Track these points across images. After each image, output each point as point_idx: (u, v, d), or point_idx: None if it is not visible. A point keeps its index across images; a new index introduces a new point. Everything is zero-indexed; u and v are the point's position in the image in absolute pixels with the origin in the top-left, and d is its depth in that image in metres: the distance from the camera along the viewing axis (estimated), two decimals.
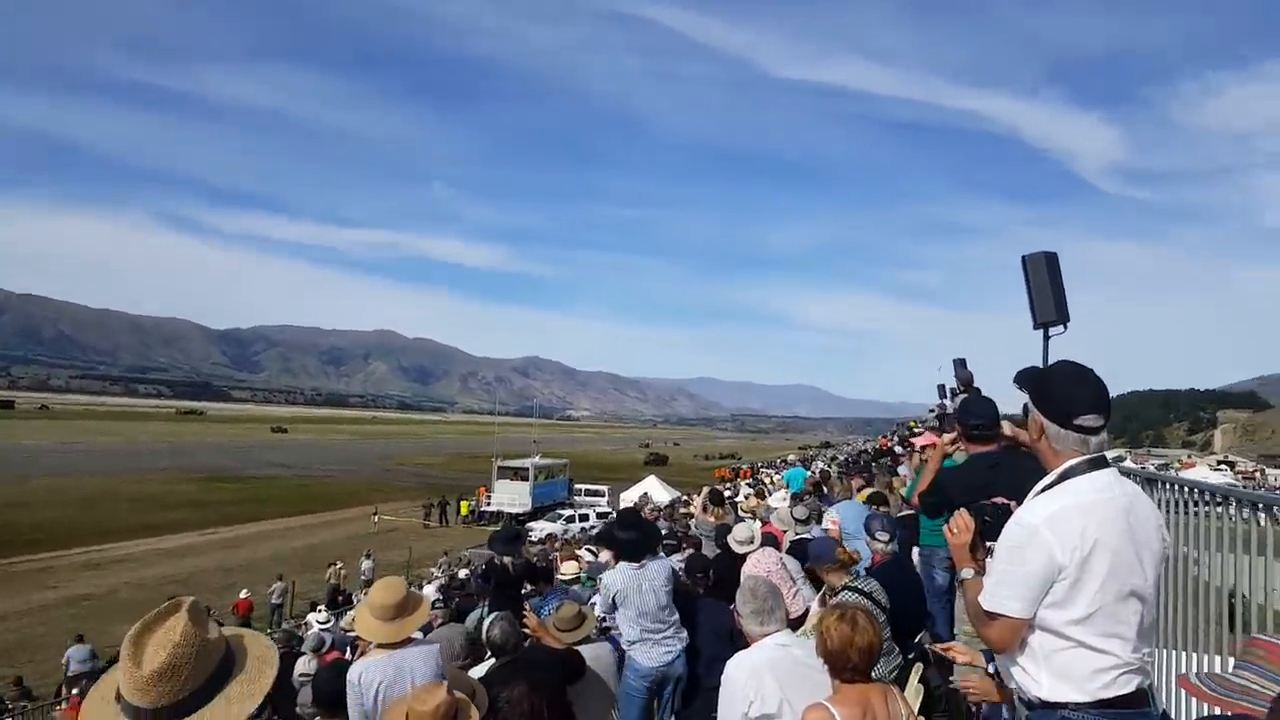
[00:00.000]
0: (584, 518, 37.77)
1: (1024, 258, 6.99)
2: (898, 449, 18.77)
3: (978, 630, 2.32)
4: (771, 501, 10.73)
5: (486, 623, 4.88)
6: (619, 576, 4.94)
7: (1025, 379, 2.35)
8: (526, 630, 4.81)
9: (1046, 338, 6.89)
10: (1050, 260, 6.88)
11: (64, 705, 14.51)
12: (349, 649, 9.70)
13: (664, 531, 10.17)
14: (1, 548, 30.51)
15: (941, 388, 17.88)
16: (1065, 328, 6.86)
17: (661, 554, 5.17)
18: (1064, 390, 2.15)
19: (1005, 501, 2.42)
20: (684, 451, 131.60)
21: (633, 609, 4.84)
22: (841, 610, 2.82)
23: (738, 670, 3.19)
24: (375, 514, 40.72)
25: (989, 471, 2.92)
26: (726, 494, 19.77)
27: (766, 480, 26.75)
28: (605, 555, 10.74)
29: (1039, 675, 2.14)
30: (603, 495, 47.88)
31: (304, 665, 7.31)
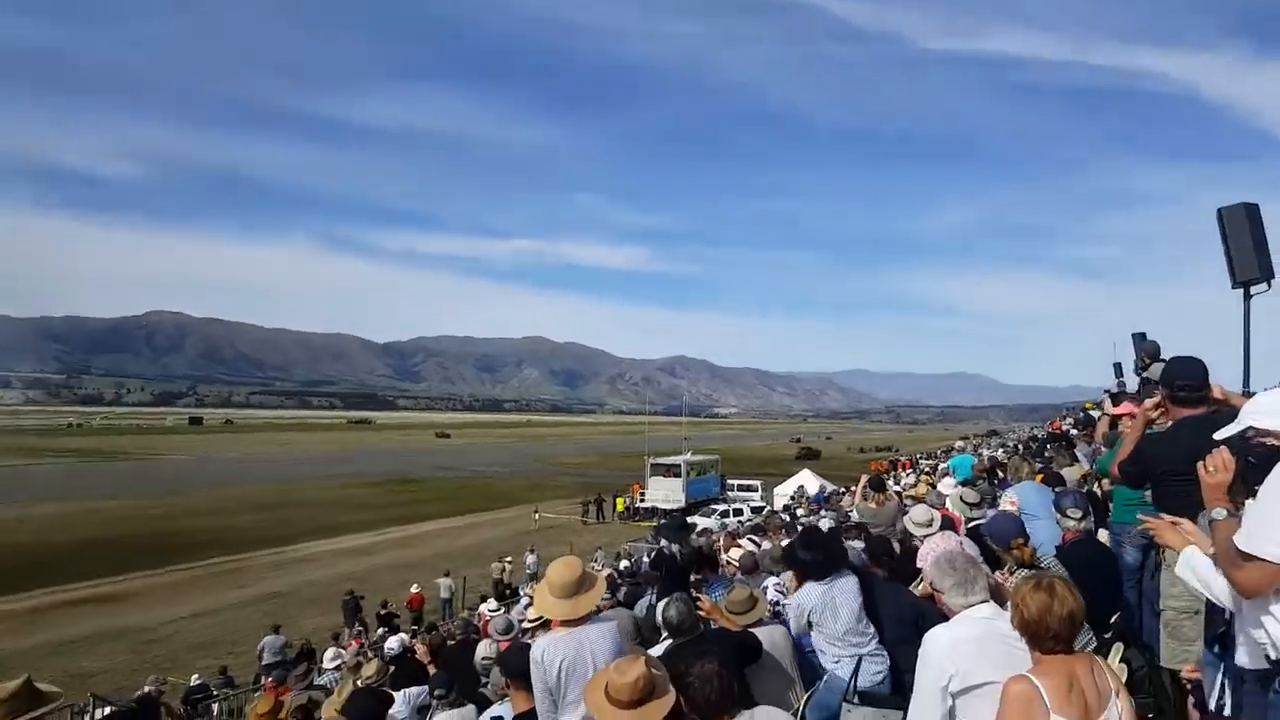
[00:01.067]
0: (738, 512, 37.75)
1: (1220, 210, 6.40)
2: (1072, 432, 17.65)
3: (1228, 574, 2.18)
4: (941, 488, 10.35)
5: (662, 604, 5.00)
6: (810, 595, 4.74)
7: None
8: (701, 612, 4.90)
9: (1248, 296, 6.28)
10: (1251, 211, 6.27)
11: (261, 691, 15.99)
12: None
13: (831, 523, 10.05)
14: (198, 550, 33.87)
15: (1118, 366, 16.71)
16: (1269, 285, 6.25)
17: (847, 571, 4.89)
18: None
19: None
20: (836, 445, 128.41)
21: (828, 627, 4.65)
22: (1038, 579, 2.69)
23: (935, 645, 3.00)
24: (536, 512, 42.33)
25: (1200, 436, 2.68)
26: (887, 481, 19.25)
27: (928, 469, 25.72)
28: (766, 544, 10.74)
29: None
30: (756, 490, 47.83)
31: (485, 649, 7.71)
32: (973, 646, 2.94)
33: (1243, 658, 2.29)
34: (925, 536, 6.02)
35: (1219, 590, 2.48)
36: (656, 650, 5.20)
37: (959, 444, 29.26)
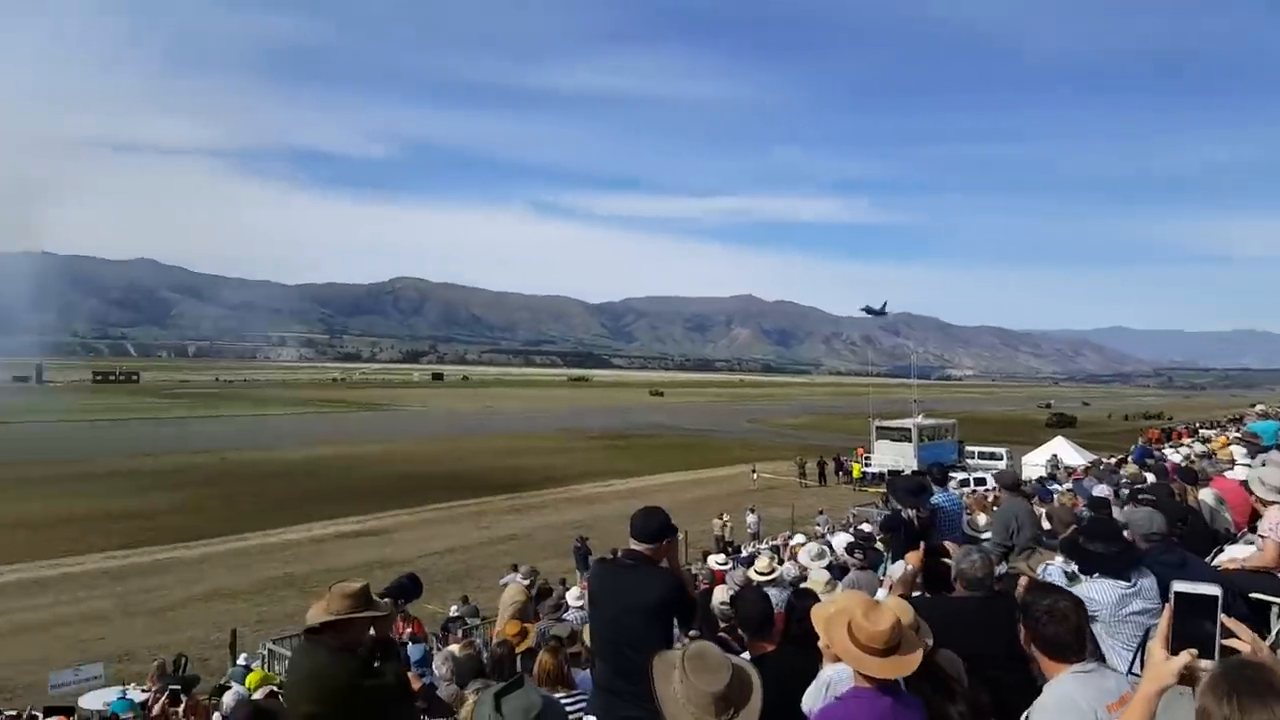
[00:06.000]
0: (980, 481, 35.63)
1: None
2: None
3: None
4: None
5: (961, 552, 4.81)
6: (1104, 595, 4.01)
7: None
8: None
9: None
10: None
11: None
12: None
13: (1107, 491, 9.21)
14: (446, 493, 37.57)
15: None
16: None
17: (1147, 572, 4.12)
18: None
19: None
20: (1095, 412, 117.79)
21: (1114, 638, 3.96)
22: None
23: None
24: (754, 471, 42.65)
25: None
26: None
27: (1217, 441, 22.78)
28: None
29: None
30: (1000, 459, 44.78)
31: (722, 594, 7.98)
32: None
33: None
34: (1273, 502, 5.31)
35: None
36: None
37: (1260, 407, 25.18)
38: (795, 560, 13.30)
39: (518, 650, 6.96)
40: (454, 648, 8.50)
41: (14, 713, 11.45)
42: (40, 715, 11.39)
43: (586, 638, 6.22)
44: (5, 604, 21.20)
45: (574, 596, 13.01)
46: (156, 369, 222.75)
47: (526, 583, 9.95)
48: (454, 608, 17.94)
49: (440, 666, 7.26)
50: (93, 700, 12.35)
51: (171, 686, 9.74)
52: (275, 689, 8.84)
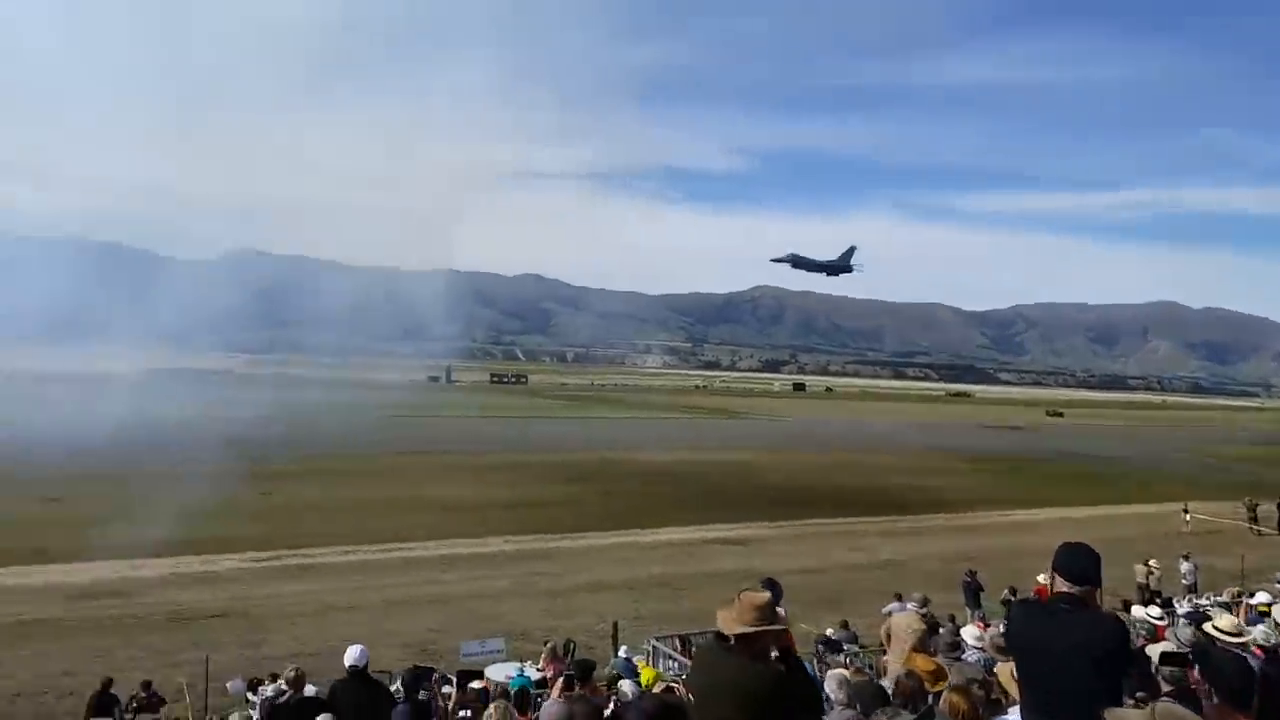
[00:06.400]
0: None
1: None
2: None
3: None
4: None
5: None
6: None
7: None
8: None
9: None
10: None
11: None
12: None
13: None
14: (812, 509, 37.49)
15: None
16: None
17: None
18: None
19: None
20: None
21: None
22: None
23: None
24: (1186, 511, 37.03)
25: None
26: None
27: None
28: None
29: None
30: None
31: (1157, 652, 7.06)
32: None
33: None
34: None
35: None
36: None
37: None
38: (1271, 621, 11.22)
39: (930, 689, 6.68)
40: (844, 672, 8.28)
41: (437, 674, 13.19)
42: (454, 678, 13.03)
43: (1003, 682, 5.77)
44: (425, 575, 24.95)
45: (972, 636, 12.08)
46: (541, 372, 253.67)
47: (923, 612, 9.31)
48: (830, 630, 17.67)
49: (836, 691, 7.04)
50: (496, 672, 13.82)
51: (567, 673, 10.52)
52: (670, 686, 9.14)
